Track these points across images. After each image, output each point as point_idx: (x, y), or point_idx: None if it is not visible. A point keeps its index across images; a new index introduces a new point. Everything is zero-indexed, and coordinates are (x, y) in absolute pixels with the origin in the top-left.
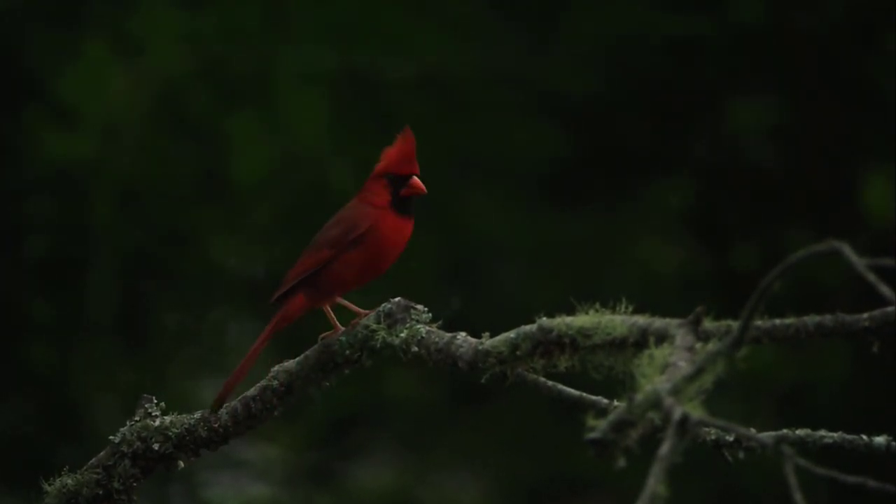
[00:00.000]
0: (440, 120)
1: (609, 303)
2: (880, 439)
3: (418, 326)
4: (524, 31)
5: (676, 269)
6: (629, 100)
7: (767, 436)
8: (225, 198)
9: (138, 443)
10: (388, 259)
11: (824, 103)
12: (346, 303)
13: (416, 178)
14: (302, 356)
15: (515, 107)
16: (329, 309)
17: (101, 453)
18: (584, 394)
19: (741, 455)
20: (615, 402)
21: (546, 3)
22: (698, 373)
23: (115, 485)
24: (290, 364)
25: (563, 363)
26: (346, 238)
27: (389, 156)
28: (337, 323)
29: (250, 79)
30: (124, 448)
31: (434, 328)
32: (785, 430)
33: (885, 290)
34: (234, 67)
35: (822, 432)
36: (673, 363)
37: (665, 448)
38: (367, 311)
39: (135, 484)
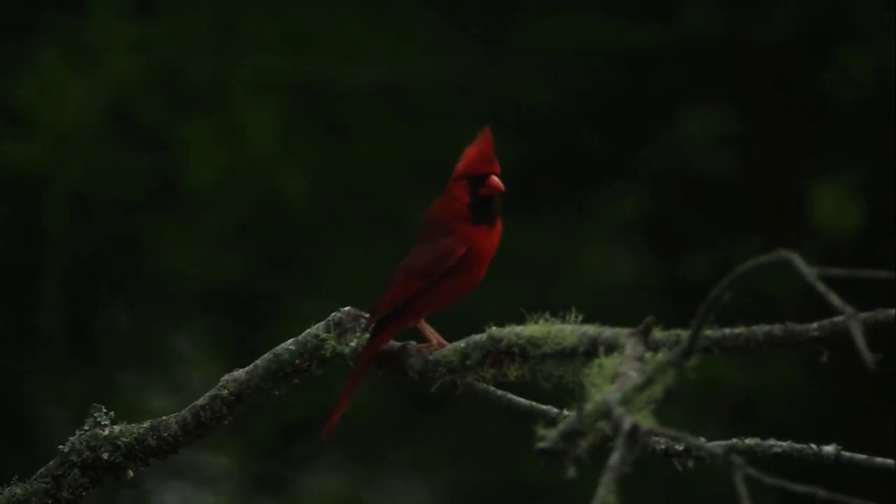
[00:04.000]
0: (395, 129)
1: (559, 312)
2: (830, 448)
3: (367, 336)
4: (479, 40)
5: (628, 278)
6: (584, 109)
7: (717, 445)
8: (178, 206)
9: (87, 452)
10: (482, 274)
11: (776, 115)
12: (427, 331)
13: (494, 177)
14: (251, 365)
15: (470, 116)
16: (424, 325)
17: (51, 462)
18: (535, 403)
19: (691, 464)
20: (565, 412)
21: (501, 14)
22: (648, 383)
23: (65, 494)
24: (239, 373)
25: (512, 373)
26: (441, 267)
27: (468, 156)
28: (433, 336)
29: (204, 87)
30: (73, 457)
31: None
32: (734, 440)
33: (834, 300)
34: (189, 76)
35: (772, 441)
36: (623, 373)
37: (615, 458)
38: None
39: (84, 493)
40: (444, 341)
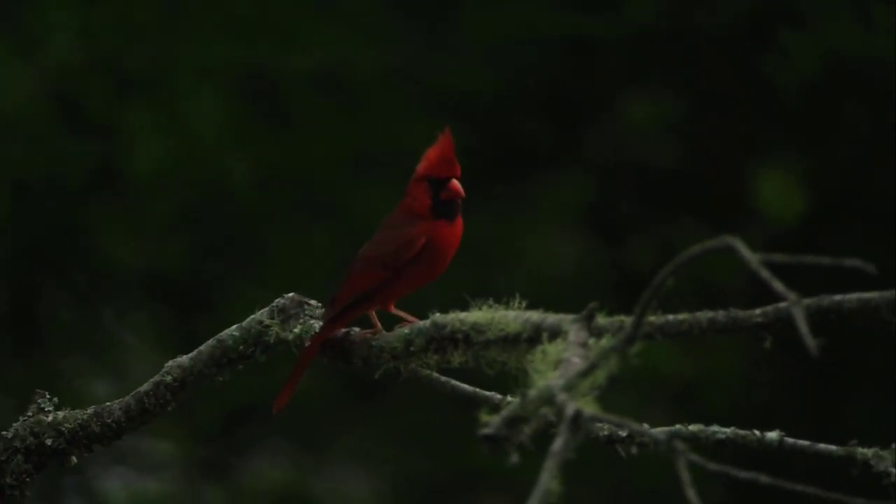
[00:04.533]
0: (338, 116)
1: (503, 299)
2: (773, 434)
3: (312, 322)
4: (421, 28)
5: (572, 264)
6: (527, 97)
7: (660, 431)
8: (122, 193)
9: (31, 438)
10: (444, 266)
11: (720, 101)
12: (400, 313)
13: (455, 181)
14: (195, 351)
15: (412, 103)
16: (373, 313)
17: None
18: (478, 389)
19: (634, 450)
20: (508, 398)
21: (445, 1)
22: (591, 369)
23: (8, 480)
24: (183, 359)
25: (456, 359)
26: (401, 257)
27: (429, 158)
28: (378, 323)
29: (148, 74)
30: (17, 443)
31: None
32: (678, 426)
33: (777, 286)
34: (132, 62)
35: (715, 427)
36: (566, 359)
37: (558, 444)
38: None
39: (27, 479)
40: (413, 318)
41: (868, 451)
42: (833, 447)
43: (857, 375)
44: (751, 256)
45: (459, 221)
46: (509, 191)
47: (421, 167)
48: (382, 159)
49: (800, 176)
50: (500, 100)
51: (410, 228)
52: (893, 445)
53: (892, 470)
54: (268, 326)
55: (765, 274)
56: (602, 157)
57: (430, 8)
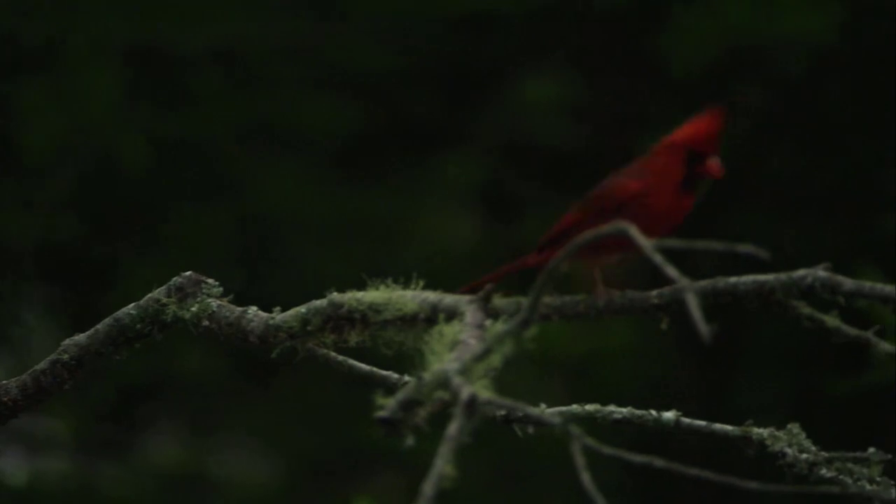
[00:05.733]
0: (235, 93)
1: (400, 279)
2: (669, 414)
3: (209, 301)
4: (318, 4)
5: (470, 245)
6: (422, 75)
7: (556, 414)
8: (14, 170)
9: None
10: (652, 234)
11: (616, 80)
12: (598, 278)
13: (718, 159)
14: (92, 330)
15: (310, 80)
16: (597, 272)
17: None
18: (375, 369)
19: (531, 430)
20: (405, 378)
21: None
22: (487, 352)
23: None
24: (80, 338)
25: (353, 338)
26: (600, 204)
27: (696, 129)
28: (600, 284)
29: (40, 50)
30: None
31: (225, 302)
32: (574, 406)
33: (670, 271)
34: (26, 37)
35: (612, 407)
36: (462, 341)
37: (453, 428)
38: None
39: None
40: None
41: (764, 432)
42: (729, 427)
43: (749, 353)
44: (644, 242)
45: (692, 198)
46: (406, 169)
47: (682, 135)
48: (280, 137)
49: None
50: (395, 77)
51: (630, 180)
52: (789, 426)
53: (788, 450)
54: (165, 305)
55: (658, 259)
56: (499, 135)
57: None
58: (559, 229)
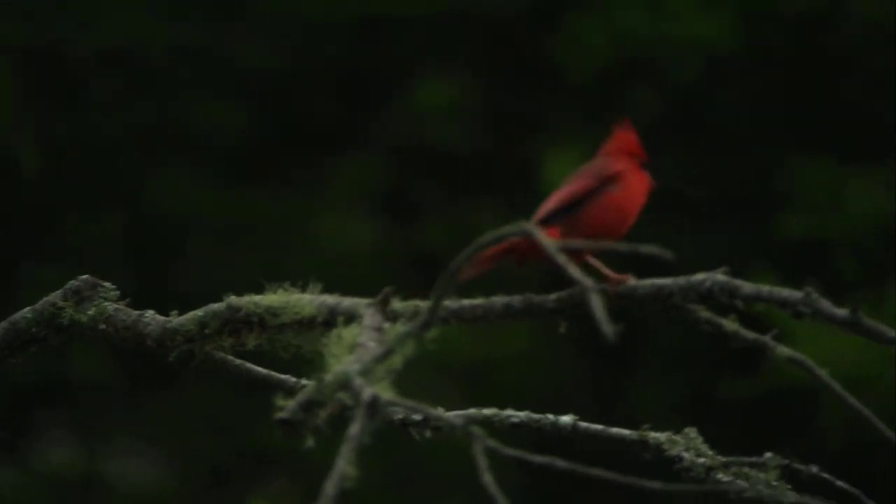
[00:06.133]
0: (129, 95)
1: (298, 282)
2: (566, 419)
3: (106, 304)
4: (214, 7)
5: (367, 248)
6: (319, 77)
7: (456, 416)
8: None
9: None
10: (631, 216)
11: (510, 84)
12: (597, 263)
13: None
14: None
15: (204, 82)
16: (594, 260)
17: None
18: (272, 372)
19: (428, 434)
20: (303, 381)
21: None
22: (387, 354)
23: None
24: None
25: (251, 342)
26: (604, 172)
27: (623, 141)
28: (610, 272)
29: None
30: None
31: (122, 306)
32: (472, 409)
33: (573, 272)
34: None
35: (510, 411)
36: (361, 343)
37: (354, 429)
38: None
39: None
40: (617, 276)
41: (661, 436)
42: (626, 431)
43: (644, 355)
44: (547, 243)
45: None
46: (303, 172)
47: (614, 146)
48: (174, 139)
49: (587, 157)
50: (292, 79)
51: (615, 160)
52: (686, 430)
53: (685, 455)
54: (61, 308)
55: (561, 260)
56: (397, 138)
57: None
58: (567, 197)
